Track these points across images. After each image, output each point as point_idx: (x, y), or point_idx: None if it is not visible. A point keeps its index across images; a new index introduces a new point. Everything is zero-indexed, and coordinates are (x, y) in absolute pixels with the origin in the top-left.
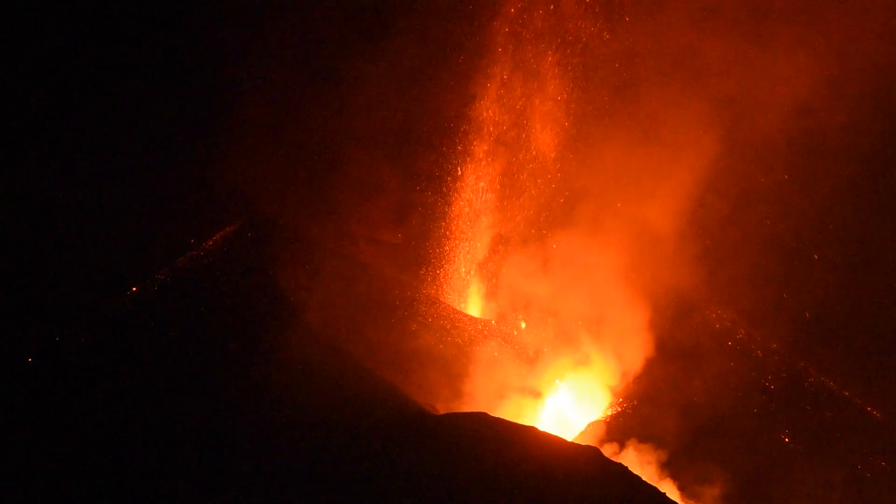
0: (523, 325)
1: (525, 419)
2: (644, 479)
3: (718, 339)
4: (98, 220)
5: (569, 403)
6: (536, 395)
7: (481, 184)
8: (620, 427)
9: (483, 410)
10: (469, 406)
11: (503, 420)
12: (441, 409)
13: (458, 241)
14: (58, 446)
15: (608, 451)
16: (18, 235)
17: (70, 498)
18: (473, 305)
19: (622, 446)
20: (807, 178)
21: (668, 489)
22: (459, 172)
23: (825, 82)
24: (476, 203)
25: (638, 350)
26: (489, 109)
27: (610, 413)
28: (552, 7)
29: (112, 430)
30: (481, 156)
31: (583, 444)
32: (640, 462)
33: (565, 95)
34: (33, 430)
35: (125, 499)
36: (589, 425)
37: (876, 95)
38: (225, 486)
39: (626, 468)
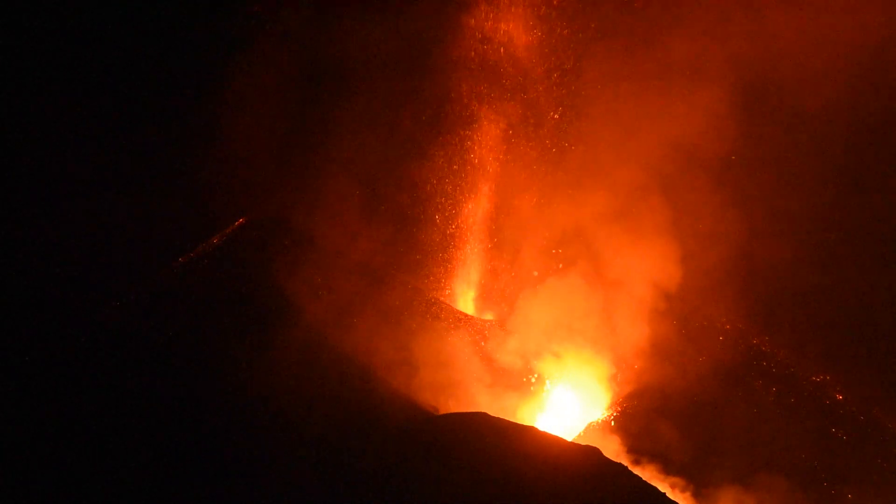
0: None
1: (524, 419)
2: (644, 478)
3: (703, 333)
4: (98, 221)
5: (568, 402)
6: (536, 394)
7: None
8: (620, 425)
9: (483, 410)
10: (469, 406)
11: (503, 420)
12: (441, 408)
13: (458, 240)
14: (58, 446)
15: (608, 450)
16: (19, 238)
17: (70, 498)
18: (473, 304)
19: (624, 447)
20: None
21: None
22: (459, 172)
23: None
24: (476, 203)
25: (636, 347)
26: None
27: (609, 413)
28: None
29: (111, 431)
30: (481, 158)
31: (583, 444)
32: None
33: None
34: (33, 432)
35: (125, 499)
36: (589, 425)
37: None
38: (224, 485)
39: (626, 468)
